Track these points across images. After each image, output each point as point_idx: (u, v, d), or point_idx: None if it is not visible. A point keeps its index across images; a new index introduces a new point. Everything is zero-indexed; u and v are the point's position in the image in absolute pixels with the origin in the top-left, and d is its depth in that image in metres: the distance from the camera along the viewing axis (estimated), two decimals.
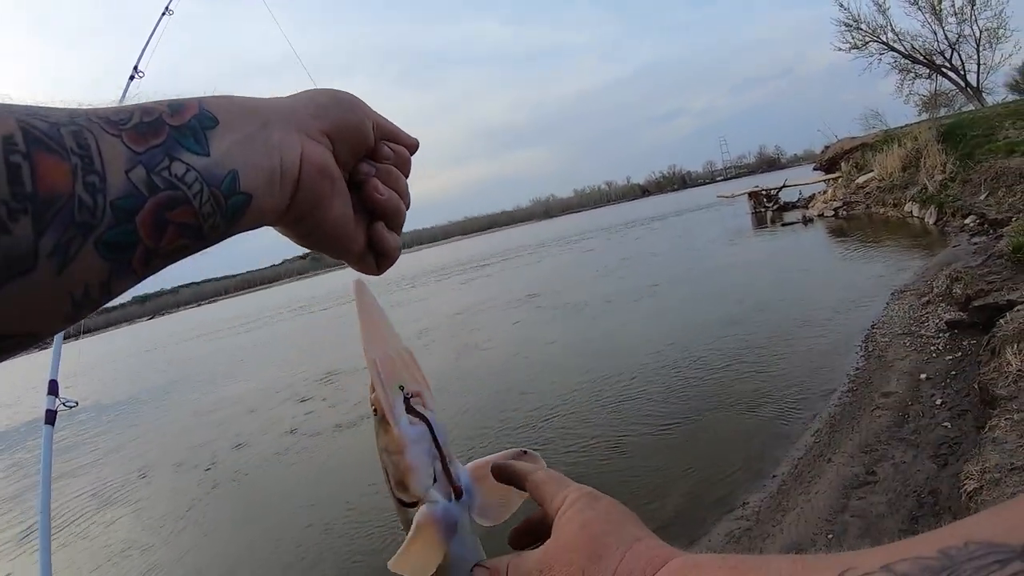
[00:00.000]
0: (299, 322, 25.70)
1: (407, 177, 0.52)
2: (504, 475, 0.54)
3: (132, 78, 3.01)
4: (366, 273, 0.52)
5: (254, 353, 18.69)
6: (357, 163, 0.49)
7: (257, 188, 0.40)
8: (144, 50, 3.11)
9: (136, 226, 0.33)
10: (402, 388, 0.52)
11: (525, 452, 0.58)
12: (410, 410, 0.52)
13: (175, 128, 0.36)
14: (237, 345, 22.62)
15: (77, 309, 0.33)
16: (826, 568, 0.29)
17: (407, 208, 0.52)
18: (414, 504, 0.51)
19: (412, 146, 0.54)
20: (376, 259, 0.51)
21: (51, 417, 2.28)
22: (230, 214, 0.38)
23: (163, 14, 3.27)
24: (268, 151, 0.41)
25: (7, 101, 0.31)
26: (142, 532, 5.79)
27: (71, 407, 2.37)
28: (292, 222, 0.46)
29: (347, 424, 7.53)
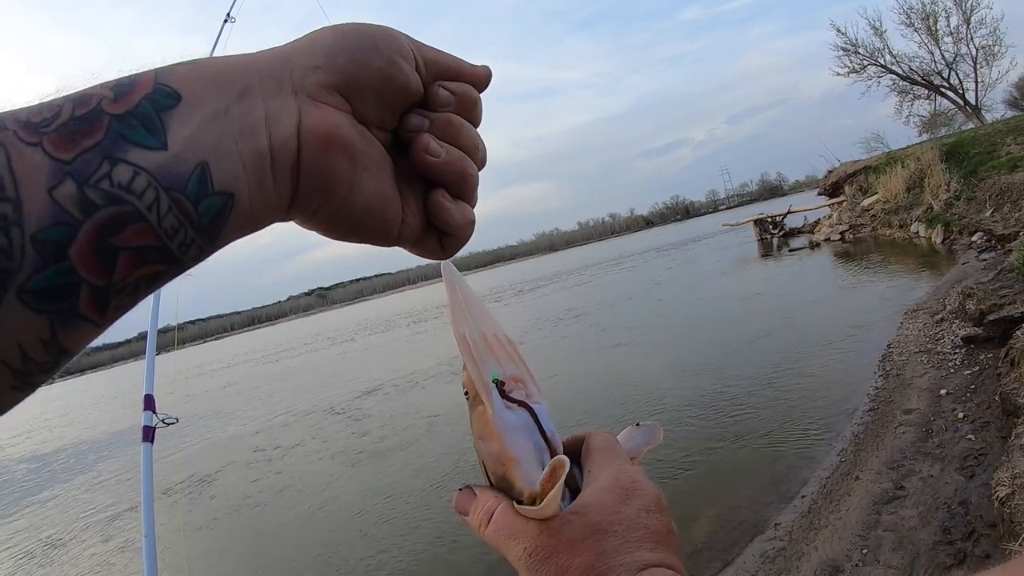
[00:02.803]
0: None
1: (477, 124, 0.39)
2: (571, 444, 0.50)
3: None
4: (429, 258, 0.41)
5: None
6: (404, 116, 0.37)
7: (239, 183, 0.30)
8: None
9: (72, 262, 0.25)
10: (500, 382, 0.46)
11: (638, 424, 0.53)
12: (504, 396, 0.45)
13: (118, 117, 0.27)
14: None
15: (24, 377, 0.25)
16: None
17: (481, 165, 0.39)
18: (531, 503, 0.43)
19: (481, 79, 0.40)
20: (440, 239, 0.40)
21: (149, 434, 2.11)
22: (206, 223, 0.29)
23: (224, 22, 3.18)
24: (250, 129, 0.30)
25: None
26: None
27: (171, 423, 2.16)
28: (307, 216, 0.35)
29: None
